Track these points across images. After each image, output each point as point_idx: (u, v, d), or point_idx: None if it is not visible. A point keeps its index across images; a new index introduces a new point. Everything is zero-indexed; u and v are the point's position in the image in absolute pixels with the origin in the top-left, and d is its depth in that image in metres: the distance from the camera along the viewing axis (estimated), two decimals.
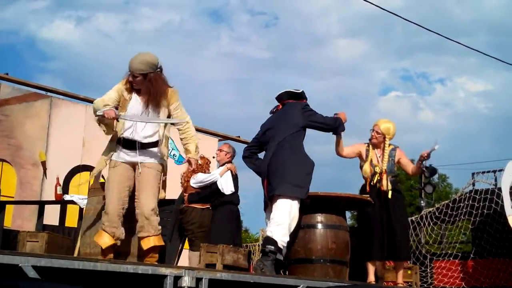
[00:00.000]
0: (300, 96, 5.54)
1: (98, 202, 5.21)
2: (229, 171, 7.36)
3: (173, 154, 11.55)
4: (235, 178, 7.38)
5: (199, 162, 7.05)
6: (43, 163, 7.91)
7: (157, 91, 4.82)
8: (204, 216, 7.34)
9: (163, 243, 4.90)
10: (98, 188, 5.27)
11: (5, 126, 8.57)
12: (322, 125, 5.48)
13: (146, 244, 4.77)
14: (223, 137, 12.92)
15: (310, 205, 5.35)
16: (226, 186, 7.28)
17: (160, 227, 4.84)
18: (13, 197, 8.33)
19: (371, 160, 6.13)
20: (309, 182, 5.20)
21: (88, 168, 9.82)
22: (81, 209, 7.26)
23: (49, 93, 9.60)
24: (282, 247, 4.92)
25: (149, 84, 4.78)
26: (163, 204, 7.44)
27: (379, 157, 6.15)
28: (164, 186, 5.22)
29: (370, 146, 6.21)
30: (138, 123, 4.86)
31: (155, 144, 4.92)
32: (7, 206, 7.44)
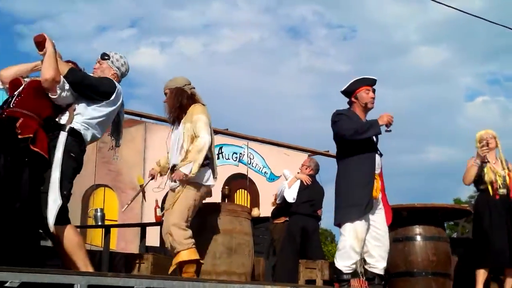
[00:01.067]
0: (349, 95, 5.15)
1: (197, 222, 5.34)
2: (299, 181, 7.32)
3: (264, 172, 11.71)
4: (305, 188, 7.27)
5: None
6: (142, 187, 8.20)
7: (173, 104, 5.06)
8: (283, 230, 7.36)
9: (195, 257, 4.82)
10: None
11: (105, 153, 8.97)
12: (340, 137, 5.02)
13: (176, 259, 4.80)
14: (312, 152, 12.96)
15: (407, 217, 5.28)
16: (289, 194, 7.24)
17: (188, 241, 4.80)
18: (116, 221, 8.68)
19: (490, 168, 5.88)
20: (363, 192, 4.85)
21: None
22: None
23: (143, 119, 9.98)
24: (348, 269, 4.83)
25: (168, 97, 5.10)
26: (257, 222, 7.56)
27: (494, 163, 5.93)
28: (257, 204, 5.29)
29: (486, 156, 5.94)
30: (173, 151, 5.08)
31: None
32: (112, 229, 7.75)
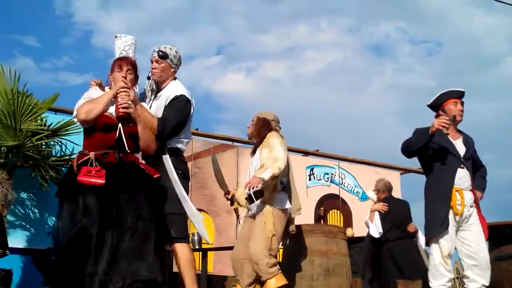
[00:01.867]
0: (436, 109, 5.04)
1: (294, 244, 5.40)
2: (377, 212, 7.24)
3: (356, 192, 11.60)
4: (385, 215, 7.19)
5: None
6: (236, 210, 8.34)
7: (254, 132, 5.38)
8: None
9: (283, 283, 4.83)
10: (291, 231, 5.46)
11: (199, 178, 9.18)
12: (402, 151, 4.97)
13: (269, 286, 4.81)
14: (405, 170, 12.72)
15: (510, 234, 5.11)
16: (374, 231, 7.20)
17: (273, 269, 4.80)
18: (212, 244, 8.84)
19: None
20: (440, 209, 4.71)
21: None
22: None
23: (235, 143, 10.16)
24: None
25: (252, 124, 5.42)
26: (352, 242, 7.50)
27: None
28: (350, 224, 5.33)
29: None
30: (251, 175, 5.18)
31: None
32: (208, 252, 7.91)
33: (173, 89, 4.33)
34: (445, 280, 4.68)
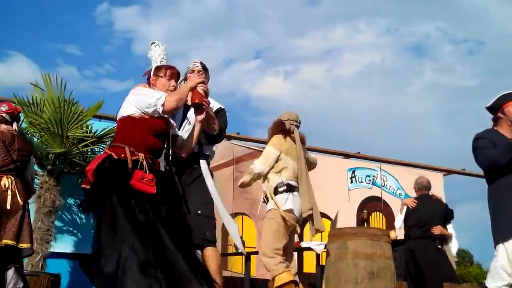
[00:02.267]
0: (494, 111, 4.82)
1: (338, 247, 5.39)
2: (405, 206, 7.36)
3: (399, 194, 11.52)
4: (412, 211, 7.23)
5: None
6: None
7: (269, 133, 5.59)
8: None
9: (290, 279, 5.01)
10: (337, 234, 5.47)
11: None
12: (486, 168, 4.71)
13: (274, 285, 5.03)
14: (447, 172, 12.57)
15: None
16: (397, 222, 7.43)
17: (278, 266, 5.08)
18: (254, 248, 8.89)
19: None
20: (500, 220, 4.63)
21: (322, 215, 10.18)
22: (317, 255, 7.55)
23: None
24: None
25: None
26: (396, 245, 7.46)
27: None
28: (393, 227, 5.33)
29: None
30: None
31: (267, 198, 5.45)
32: (251, 256, 7.95)
33: (212, 101, 4.38)
34: (502, 284, 4.61)
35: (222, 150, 9.55)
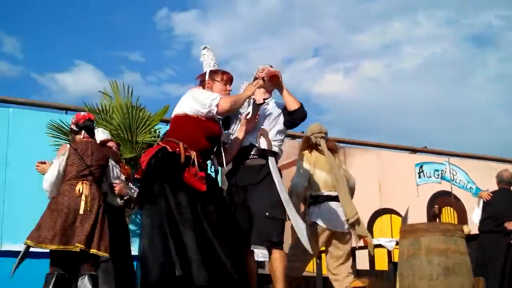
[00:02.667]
0: None
1: (410, 243, 5.31)
2: (481, 199, 7.25)
3: (469, 187, 11.25)
4: (487, 204, 7.15)
5: None
6: None
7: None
8: None
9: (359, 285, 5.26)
10: (409, 230, 5.39)
11: None
12: None
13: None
14: None
15: None
16: (474, 216, 7.38)
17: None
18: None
19: None
20: None
21: (388, 211, 10.07)
22: (389, 252, 7.45)
23: (341, 144, 10.12)
24: None
25: None
26: (469, 240, 7.30)
27: None
28: (465, 221, 5.24)
29: None
30: None
31: None
32: (322, 254, 7.91)
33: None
34: None
35: (287, 149, 9.49)
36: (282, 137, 4.45)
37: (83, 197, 4.77)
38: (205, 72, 4.23)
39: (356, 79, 22.94)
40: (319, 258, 7.60)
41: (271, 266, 4.13)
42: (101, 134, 5.31)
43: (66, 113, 8.35)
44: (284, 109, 4.40)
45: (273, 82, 4.24)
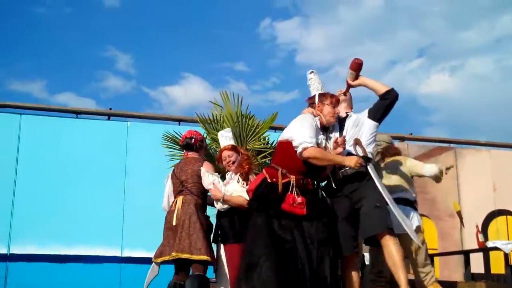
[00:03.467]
0: None
1: None
2: None
3: None
4: None
5: None
6: (459, 213, 8.13)
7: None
8: None
9: None
10: None
11: (419, 183, 9.07)
12: None
13: None
14: None
15: None
16: None
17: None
18: (436, 249, 8.70)
19: None
20: None
21: (503, 213, 9.74)
22: (505, 255, 7.22)
23: (451, 145, 9.92)
24: None
25: None
26: None
27: None
28: None
29: None
30: None
31: None
32: (434, 258, 7.81)
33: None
34: None
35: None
36: (371, 144, 4.53)
37: (176, 210, 5.12)
38: (314, 95, 4.46)
39: (463, 78, 22.15)
40: (431, 261, 7.51)
41: (387, 253, 4.18)
42: (221, 139, 5.56)
43: (179, 124, 8.74)
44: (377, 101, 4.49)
45: (354, 70, 4.44)
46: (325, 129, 4.46)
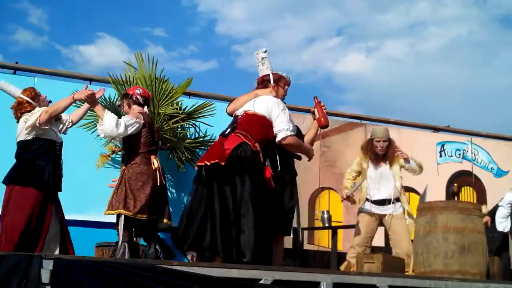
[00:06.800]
0: None
1: (427, 221, 5.33)
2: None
3: (491, 168, 11.17)
4: None
5: None
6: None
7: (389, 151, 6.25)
8: None
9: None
10: (426, 207, 5.40)
11: (328, 157, 9.25)
12: None
13: None
14: None
15: None
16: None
17: None
18: (341, 222, 8.90)
19: None
20: None
21: (408, 190, 10.05)
22: None
23: (362, 121, 10.12)
24: None
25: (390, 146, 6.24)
26: None
27: None
28: (484, 201, 5.32)
29: None
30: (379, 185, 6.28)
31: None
32: (338, 230, 7.98)
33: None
34: None
35: (308, 125, 9.56)
36: None
37: (157, 171, 5.18)
38: (267, 75, 4.71)
39: (378, 59, 22.71)
40: (335, 233, 7.68)
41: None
42: None
43: (90, 84, 8.44)
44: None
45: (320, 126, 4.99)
46: None
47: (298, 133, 4.91)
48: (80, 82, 8.33)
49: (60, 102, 4.90)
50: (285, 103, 4.73)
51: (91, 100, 4.86)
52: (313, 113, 4.96)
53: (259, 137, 4.33)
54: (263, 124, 4.39)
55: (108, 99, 7.11)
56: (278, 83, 4.66)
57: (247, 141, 4.23)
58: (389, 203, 6.22)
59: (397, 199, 6.29)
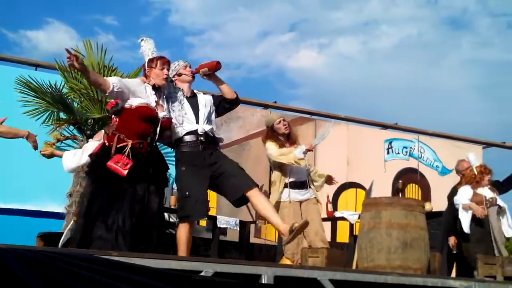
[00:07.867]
0: None
1: (371, 217, 5.39)
2: (470, 212, 6.73)
3: (436, 166, 11.41)
4: (478, 223, 6.73)
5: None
6: None
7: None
8: None
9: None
10: (371, 203, 5.47)
11: None
12: None
13: None
14: (487, 144, 12.39)
15: None
16: (464, 223, 6.80)
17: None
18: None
19: None
20: None
21: (354, 185, 10.19)
22: (351, 225, 7.56)
23: (313, 116, 10.17)
24: None
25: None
26: (430, 217, 7.43)
27: None
28: (429, 199, 5.37)
29: None
30: None
31: None
32: None
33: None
34: None
35: (259, 118, 9.58)
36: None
37: None
38: (145, 62, 4.55)
39: (330, 56, 22.98)
40: None
41: (259, 203, 4.49)
42: None
43: (36, 70, 8.24)
44: (221, 100, 4.78)
45: (210, 69, 4.62)
46: (157, 88, 4.52)
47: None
48: (26, 68, 8.12)
49: (13, 130, 4.82)
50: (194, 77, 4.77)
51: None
52: (203, 73, 4.70)
53: (125, 130, 4.32)
54: (128, 114, 4.39)
55: (54, 86, 6.93)
56: (151, 66, 4.50)
57: (106, 140, 4.34)
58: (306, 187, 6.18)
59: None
